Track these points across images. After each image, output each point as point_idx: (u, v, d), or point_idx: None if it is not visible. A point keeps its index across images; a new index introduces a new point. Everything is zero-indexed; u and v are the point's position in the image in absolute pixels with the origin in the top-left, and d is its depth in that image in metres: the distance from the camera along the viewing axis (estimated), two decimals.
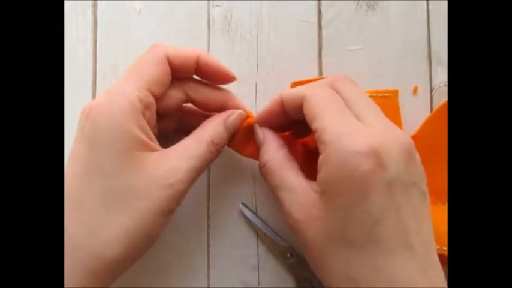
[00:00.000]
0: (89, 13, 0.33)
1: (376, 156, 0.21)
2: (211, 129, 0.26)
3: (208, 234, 0.32)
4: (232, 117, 0.27)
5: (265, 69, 0.33)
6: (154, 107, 0.25)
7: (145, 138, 0.24)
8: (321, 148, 0.22)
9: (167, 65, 0.25)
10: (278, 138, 0.27)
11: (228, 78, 0.28)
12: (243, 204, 0.32)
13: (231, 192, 0.32)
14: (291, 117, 0.27)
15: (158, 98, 0.26)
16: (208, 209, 0.32)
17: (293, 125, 0.28)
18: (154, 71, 0.25)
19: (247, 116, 0.29)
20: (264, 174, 0.26)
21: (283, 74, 0.33)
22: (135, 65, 0.26)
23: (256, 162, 0.30)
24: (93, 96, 0.33)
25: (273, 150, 0.26)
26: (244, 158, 0.32)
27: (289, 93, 0.26)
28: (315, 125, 0.23)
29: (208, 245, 0.32)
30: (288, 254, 0.31)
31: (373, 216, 0.21)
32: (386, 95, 0.32)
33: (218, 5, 0.33)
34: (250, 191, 0.32)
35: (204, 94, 0.28)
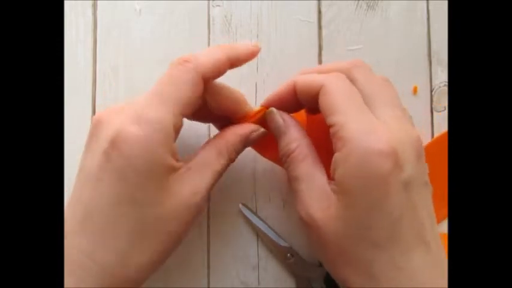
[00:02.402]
0: (89, 13, 0.33)
1: (395, 156, 0.21)
2: (232, 144, 0.26)
3: (208, 234, 0.32)
4: (255, 134, 0.27)
5: (265, 69, 0.33)
6: (181, 127, 0.25)
7: (175, 163, 0.23)
8: (339, 144, 0.22)
9: (202, 86, 0.24)
10: (300, 125, 0.26)
11: (256, 53, 0.27)
12: (243, 204, 0.32)
13: (231, 192, 0.32)
14: (302, 103, 0.26)
15: None
16: (208, 209, 0.32)
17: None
18: (191, 94, 0.24)
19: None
20: (286, 163, 0.25)
21: (283, 74, 0.33)
22: (169, 84, 0.24)
23: (256, 162, 0.30)
24: (93, 96, 0.33)
25: (299, 138, 0.25)
26: (244, 158, 0.32)
27: (305, 80, 0.25)
28: (332, 119, 0.23)
29: (208, 245, 0.32)
30: (288, 254, 0.31)
31: (394, 215, 0.21)
32: None
33: (218, 5, 0.33)
34: (250, 191, 0.32)
35: (220, 100, 0.26)
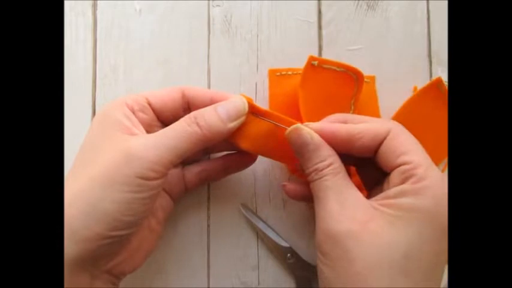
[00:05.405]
0: (89, 13, 0.33)
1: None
2: (198, 112, 0.26)
3: (208, 234, 0.32)
4: (222, 103, 0.26)
5: (265, 69, 0.33)
6: (149, 111, 0.27)
7: (128, 123, 0.25)
8: (412, 179, 0.23)
9: (178, 94, 0.28)
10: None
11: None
12: (243, 204, 0.32)
13: (231, 192, 0.32)
14: (345, 150, 0.26)
15: (157, 111, 0.27)
16: (208, 209, 0.32)
17: None
18: (161, 91, 0.28)
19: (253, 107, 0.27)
20: (318, 176, 0.25)
21: None
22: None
23: (256, 162, 0.30)
24: (93, 96, 0.33)
25: (332, 154, 0.26)
26: None
27: (367, 128, 0.26)
28: (407, 157, 0.24)
29: (208, 245, 0.32)
30: (288, 255, 0.31)
31: (439, 259, 0.23)
32: (366, 80, 0.32)
33: (218, 5, 0.33)
34: (250, 191, 0.32)
35: (197, 94, 0.28)
